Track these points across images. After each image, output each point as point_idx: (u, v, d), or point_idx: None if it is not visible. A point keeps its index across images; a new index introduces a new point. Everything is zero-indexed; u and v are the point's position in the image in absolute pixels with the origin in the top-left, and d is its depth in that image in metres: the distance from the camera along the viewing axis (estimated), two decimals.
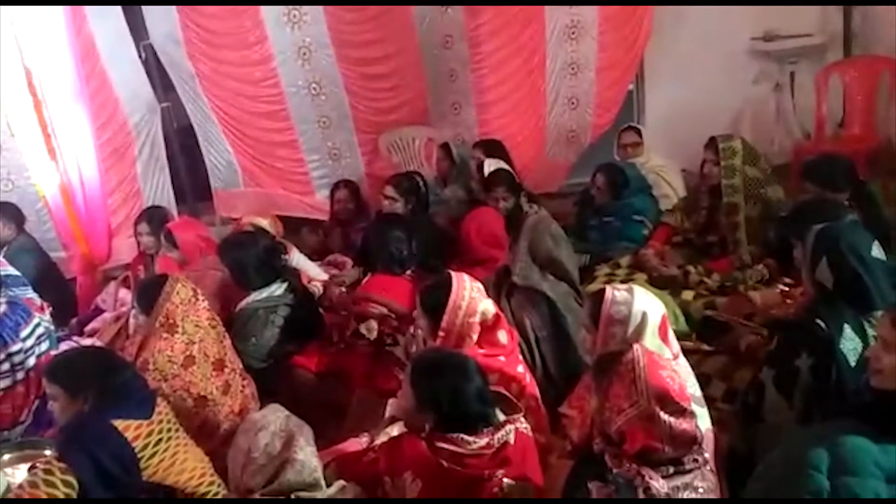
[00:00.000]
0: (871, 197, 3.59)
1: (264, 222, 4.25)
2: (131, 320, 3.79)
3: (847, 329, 2.34)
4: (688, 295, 3.73)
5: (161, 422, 2.38)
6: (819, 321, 2.35)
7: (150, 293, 2.93)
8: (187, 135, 5.78)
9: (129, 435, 2.26)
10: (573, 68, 5.71)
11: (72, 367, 2.44)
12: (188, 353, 2.86)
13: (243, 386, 3.07)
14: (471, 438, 2.16)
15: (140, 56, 5.31)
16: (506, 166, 4.83)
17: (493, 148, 5.12)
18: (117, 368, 2.46)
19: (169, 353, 2.83)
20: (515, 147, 5.62)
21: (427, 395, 2.22)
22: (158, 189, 5.52)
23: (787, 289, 3.29)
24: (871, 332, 2.33)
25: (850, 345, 2.32)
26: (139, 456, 2.26)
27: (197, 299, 2.96)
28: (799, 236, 2.69)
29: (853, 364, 2.30)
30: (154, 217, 4.41)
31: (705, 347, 3.28)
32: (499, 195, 4.39)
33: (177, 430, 2.44)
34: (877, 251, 2.49)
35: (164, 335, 2.84)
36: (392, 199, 4.61)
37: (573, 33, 5.59)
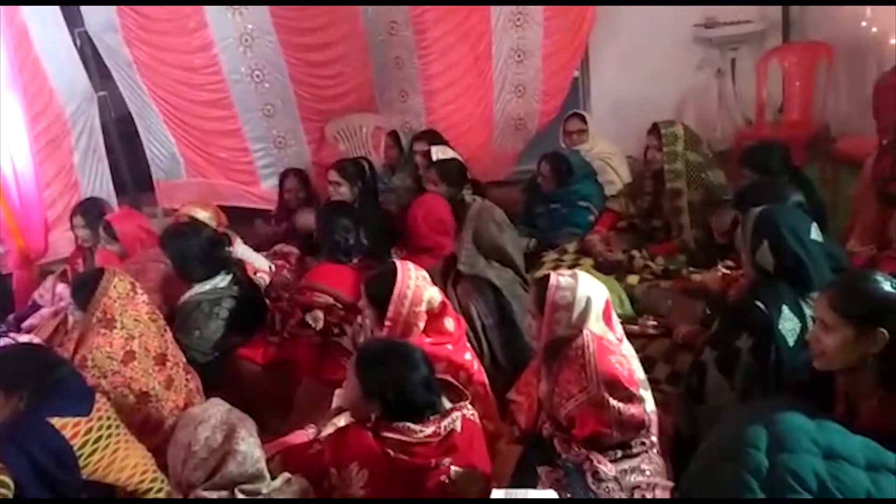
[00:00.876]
0: (807, 182, 3.69)
1: (204, 214, 4.14)
2: (70, 316, 3.70)
3: (786, 310, 2.38)
4: (633, 279, 3.79)
5: (101, 419, 2.33)
6: (758, 303, 2.39)
7: (86, 288, 2.84)
8: (127, 124, 5.62)
9: (66, 433, 2.21)
10: (519, 55, 5.70)
11: (5, 365, 2.36)
12: (128, 348, 2.79)
13: (187, 380, 3.01)
14: (417, 427, 2.16)
15: (75, 44, 5.15)
16: (453, 153, 4.84)
17: (433, 137, 5.12)
18: (53, 365, 2.39)
19: (107, 350, 2.75)
20: (463, 135, 5.63)
21: (372, 384, 2.21)
22: (97, 180, 5.37)
23: (728, 272, 3.35)
24: (808, 311, 2.38)
25: (788, 325, 2.37)
26: (78, 454, 2.22)
27: (135, 293, 2.88)
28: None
29: (792, 344, 2.34)
30: (89, 209, 4.30)
31: (650, 331, 3.33)
32: (431, 178, 4.40)
33: (117, 427, 2.39)
34: (815, 233, 2.55)
35: (102, 331, 2.76)
36: (336, 183, 4.54)
37: (518, 20, 5.58)
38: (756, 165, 3.62)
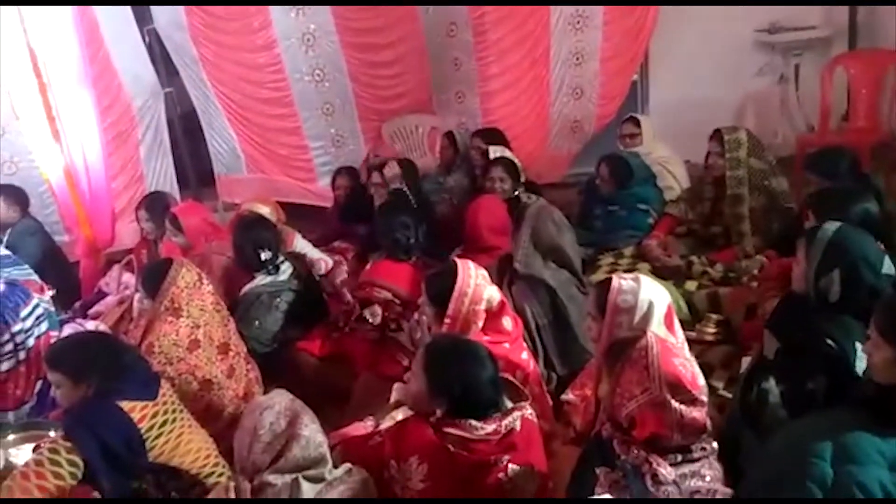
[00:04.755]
0: (875, 190, 3.57)
1: (264, 209, 4.22)
2: (135, 304, 3.79)
3: (859, 348, 2.23)
4: (691, 285, 3.74)
5: (166, 403, 2.40)
6: (830, 342, 2.28)
7: (154, 277, 2.93)
8: (191, 120, 5.79)
9: (134, 416, 2.28)
10: (578, 58, 5.67)
11: (73, 354, 2.43)
12: (193, 336, 2.87)
13: (247, 370, 3.08)
14: (479, 424, 2.16)
15: (144, 40, 5.32)
16: (510, 153, 4.83)
17: (492, 136, 5.11)
18: (120, 352, 2.47)
19: (174, 337, 2.84)
20: (519, 136, 5.63)
21: (440, 381, 2.21)
22: (161, 173, 5.55)
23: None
24: None
25: (862, 364, 2.22)
26: (144, 437, 2.28)
27: (202, 283, 2.96)
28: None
29: None
30: (154, 203, 4.40)
31: (708, 338, 3.29)
32: (495, 176, 4.39)
33: (181, 412, 2.45)
34: (887, 267, 2.39)
35: (170, 319, 2.85)
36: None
37: (578, 23, 5.56)
38: (823, 170, 3.54)
